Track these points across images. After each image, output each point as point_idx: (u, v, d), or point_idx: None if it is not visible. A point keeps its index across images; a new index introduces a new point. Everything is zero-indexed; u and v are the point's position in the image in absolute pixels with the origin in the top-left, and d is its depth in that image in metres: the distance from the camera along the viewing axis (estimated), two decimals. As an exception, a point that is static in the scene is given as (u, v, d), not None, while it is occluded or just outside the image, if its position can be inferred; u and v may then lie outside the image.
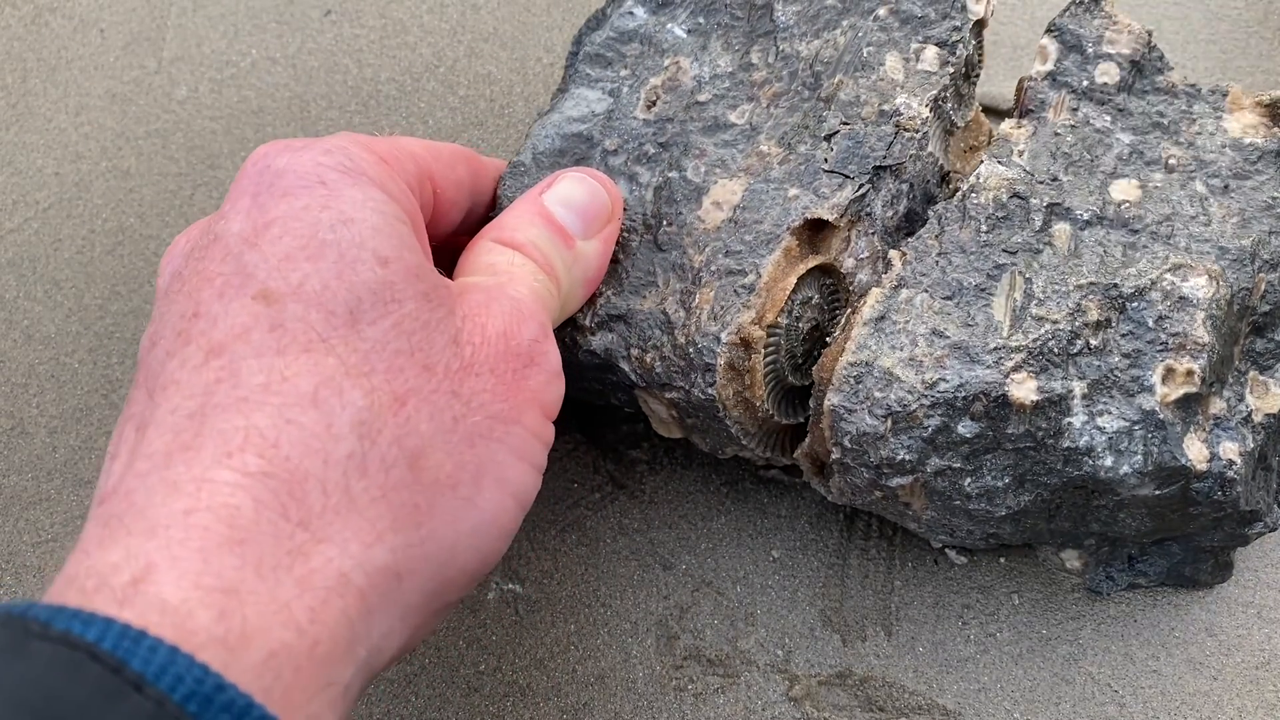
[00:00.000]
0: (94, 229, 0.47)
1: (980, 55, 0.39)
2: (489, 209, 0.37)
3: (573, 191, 0.34)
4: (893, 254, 0.35)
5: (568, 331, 0.36)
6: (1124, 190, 0.36)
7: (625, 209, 0.37)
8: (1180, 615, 0.38)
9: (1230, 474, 0.33)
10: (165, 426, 0.25)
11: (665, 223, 0.36)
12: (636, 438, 0.42)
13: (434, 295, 0.28)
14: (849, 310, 0.36)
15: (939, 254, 0.35)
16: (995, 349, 0.33)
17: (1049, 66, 0.38)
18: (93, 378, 0.44)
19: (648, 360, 0.35)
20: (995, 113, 0.50)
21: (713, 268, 0.35)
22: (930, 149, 0.37)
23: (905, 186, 0.37)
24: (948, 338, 0.33)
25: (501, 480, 0.28)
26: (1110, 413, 0.33)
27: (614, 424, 0.42)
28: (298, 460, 0.25)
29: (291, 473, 0.24)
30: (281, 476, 0.24)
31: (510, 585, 0.39)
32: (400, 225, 0.29)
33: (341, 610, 0.24)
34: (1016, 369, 0.33)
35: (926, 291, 0.34)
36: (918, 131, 0.36)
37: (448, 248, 0.35)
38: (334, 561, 0.24)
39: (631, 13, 0.40)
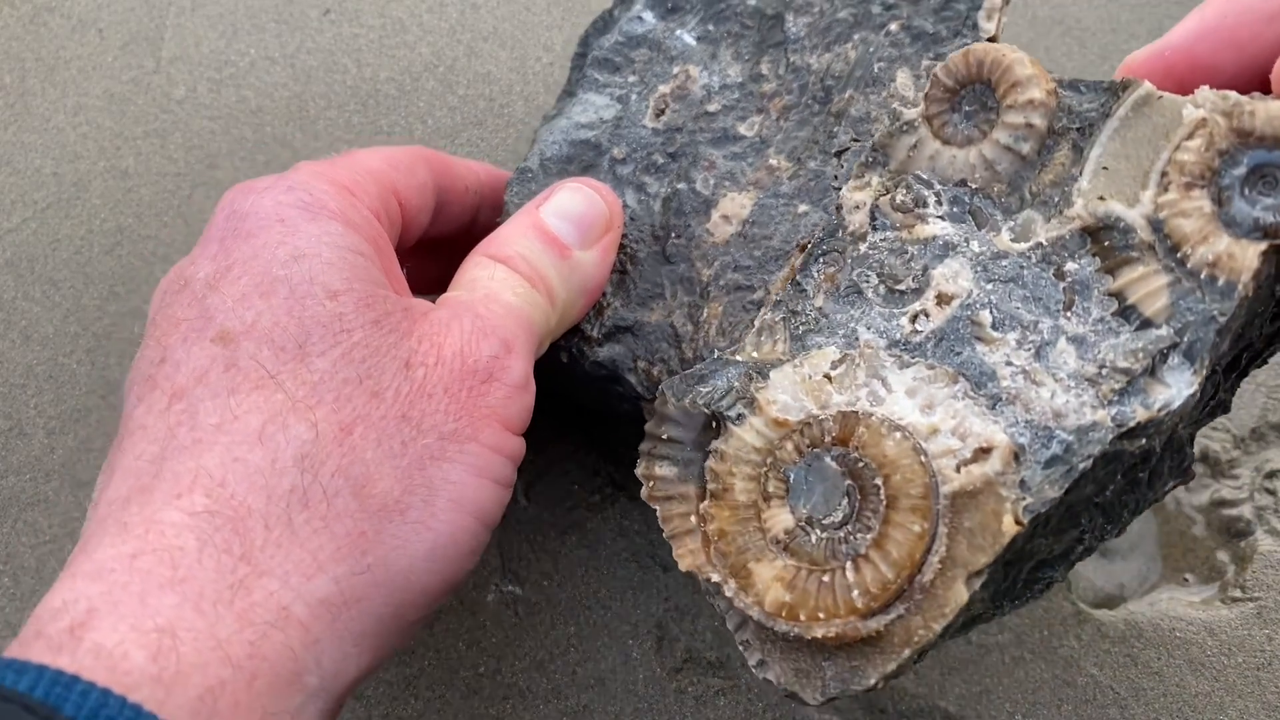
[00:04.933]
0: (92, 229, 0.47)
1: None
2: (475, 211, 0.38)
3: (569, 202, 0.34)
4: None
5: (574, 342, 0.36)
6: None
7: (633, 219, 0.37)
8: (1181, 616, 0.38)
9: None
10: (129, 471, 0.26)
11: (673, 234, 0.36)
12: (637, 440, 0.42)
13: (386, 321, 0.29)
14: None
15: None
16: None
17: None
18: (91, 378, 0.44)
19: (655, 374, 0.35)
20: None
21: (721, 282, 0.35)
22: None
23: None
24: None
25: (458, 500, 0.28)
26: None
27: (615, 427, 0.42)
28: (243, 497, 0.25)
29: (236, 509, 0.25)
30: (226, 514, 0.25)
31: (510, 587, 0.39)
32: (354, 256, 0.29)
33: (283, 643, 0.24)
34: None
35: None
36: None
37: (460, 250, 0.35)
38: (275, 595, 0.25)
39: (640, 17, 0.40)
